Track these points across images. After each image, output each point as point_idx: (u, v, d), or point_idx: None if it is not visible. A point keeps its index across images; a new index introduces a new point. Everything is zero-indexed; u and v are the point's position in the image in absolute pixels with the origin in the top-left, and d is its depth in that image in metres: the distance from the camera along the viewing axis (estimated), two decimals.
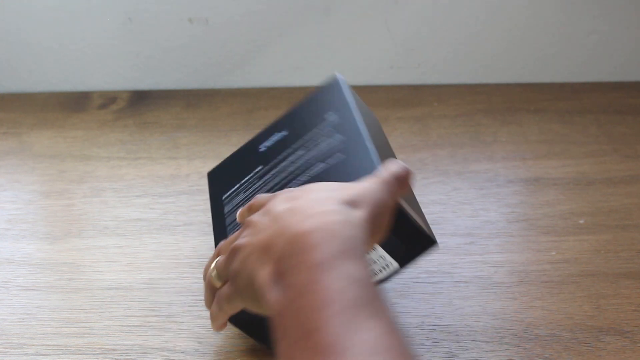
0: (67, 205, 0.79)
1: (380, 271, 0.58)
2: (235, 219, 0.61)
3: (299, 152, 0.65)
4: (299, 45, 0.98)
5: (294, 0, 0.95)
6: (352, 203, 0.51)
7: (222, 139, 0.89)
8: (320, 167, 0.62)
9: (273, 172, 0.65)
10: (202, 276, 0.69)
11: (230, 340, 0.63)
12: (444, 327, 0.64)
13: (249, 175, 0.68)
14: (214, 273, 0.56)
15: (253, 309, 0.52)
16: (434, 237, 0.58)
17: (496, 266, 0.71)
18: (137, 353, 0.62)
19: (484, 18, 0.97)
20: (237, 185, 0.68)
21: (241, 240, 0.52)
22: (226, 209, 0.67)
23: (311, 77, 0.94)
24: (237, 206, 0.66)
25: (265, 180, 0.65)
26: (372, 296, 0.43)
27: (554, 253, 0.72)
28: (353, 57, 0.99)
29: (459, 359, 0.61)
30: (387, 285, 0.68)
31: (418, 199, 0.80)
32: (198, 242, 0.74)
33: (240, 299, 0.53)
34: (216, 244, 0.64)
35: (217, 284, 0.56)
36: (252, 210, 0.57)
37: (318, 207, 0.49)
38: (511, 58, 1.00)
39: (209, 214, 0.77)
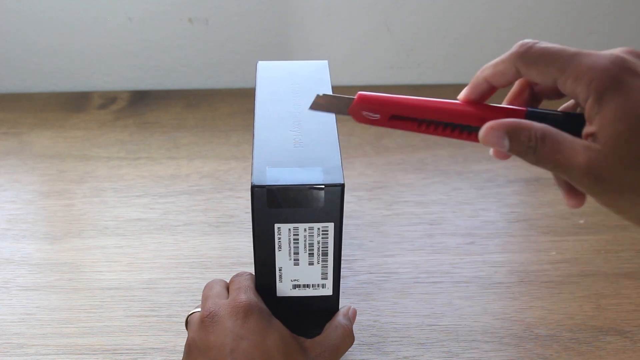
0: (67, 205, 0.79)
1: None
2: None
3: None
4: (299, 45, 0.98)
5: (294, 0, 0.95)
6: None
7: (222, 139, 0.89)
8: None
9: None
10: (202, 276, 0.70)
11: None
12: (444, 327, 0.64)
13: None
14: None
15: None
16: None
17: (496, 266, 0.71)
18: (137, 353, 0.62)
19: (484, 18, 0.97)
20: None
21: None
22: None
23: None
24: None
25: None
26: None
27: (554, 253, 0.72)
28: (353, 57, 0.99)
29: (459, 359, 0.61)
30: (387, 285, 0.68)
31: (418, 199, 0.80)
32: (198, 242, 0.74)
33: None
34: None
35: None
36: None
37: None
38: None
39: (209, 214, 0.78)
